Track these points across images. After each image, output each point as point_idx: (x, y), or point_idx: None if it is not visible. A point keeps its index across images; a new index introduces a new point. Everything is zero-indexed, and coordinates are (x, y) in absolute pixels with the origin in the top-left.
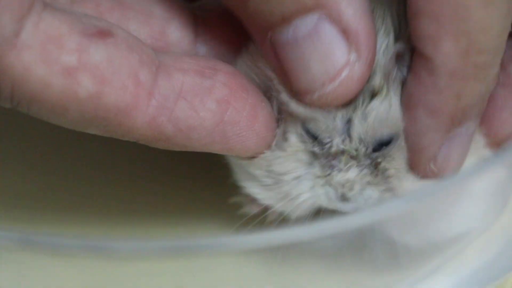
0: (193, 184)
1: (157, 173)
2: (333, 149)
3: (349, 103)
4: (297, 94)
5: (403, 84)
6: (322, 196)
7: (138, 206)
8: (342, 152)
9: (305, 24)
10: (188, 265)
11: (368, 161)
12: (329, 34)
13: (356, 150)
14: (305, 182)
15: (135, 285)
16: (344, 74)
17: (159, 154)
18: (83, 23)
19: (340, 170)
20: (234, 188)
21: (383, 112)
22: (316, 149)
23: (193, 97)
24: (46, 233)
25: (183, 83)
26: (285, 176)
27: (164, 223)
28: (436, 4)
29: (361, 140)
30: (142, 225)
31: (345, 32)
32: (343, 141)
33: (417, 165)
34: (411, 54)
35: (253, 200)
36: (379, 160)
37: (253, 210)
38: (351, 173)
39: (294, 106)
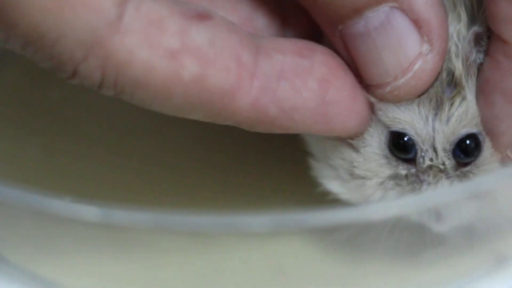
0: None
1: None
2: (425, 165)
3: (428, 106)
4: (369, 88)
5: (480, 70)
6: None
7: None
8: (430, 166)
9: (376, 16)
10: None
11: (458, 173)
12: (401, 25)
13: (443, 164)
14: (391, 191)
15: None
16: (417, 65)
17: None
18: (182, 7)
19: (429, 184)
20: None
21: (464, 111)
22: (401, 169)
23: (294, 77)
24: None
25: (284, 64)
26: (368, 180)
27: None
28: None
29: (445, 150)
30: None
31: (417, 23)
32: (430, 156)
33: (495, 150)
34: (487, 37)
35: None
36: (469, 171)
37: None
38: (441, 185)
39: (381, 111)
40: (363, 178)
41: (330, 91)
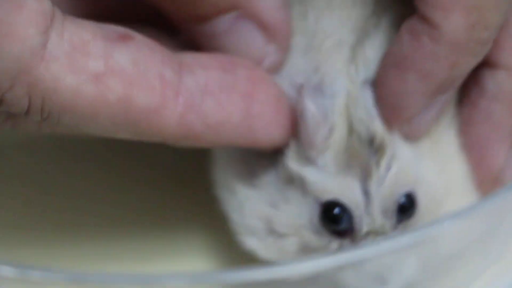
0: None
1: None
2: (364, 232)
3: (358, 171)
4: None
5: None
6: (351, 279)
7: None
8: (368, 232)
9: (222, 23)
10: None
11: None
12: (247, 30)
13: (382, 226)
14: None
15: None
16: (265, 64)
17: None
18: (103, 29)
19: None
20: None
21: (395, 172)
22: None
23: (219, 92)
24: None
25: (207, 79)
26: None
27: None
28: None
29: (382, 213)
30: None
31: (262, 27)
32: (370, 222)
33: (390, 123)
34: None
35: None
36: (408, 226)
37: None
38: None
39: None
40: (283, 236)
41: (254, 105)
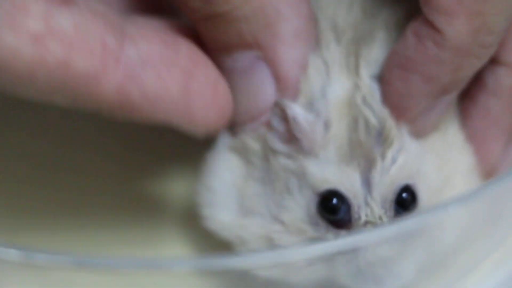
0: None
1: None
2: (361, 222)
3: (361, 162)
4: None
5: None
6: (345, 277)
7: None
8: (365, 223)
9: (242, 59)
10: None
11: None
12: (262, 74)
13: (380, 219)
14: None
15: None
16: (263, 118)
17: None
18: None
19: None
20: None
21: (400, 165)
22: (335, 231)
23: (159, 65)
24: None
25: (149, 51)
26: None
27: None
28: None
29: (382, 205)
30: None
31: (277, 76)
32: (368, 213)
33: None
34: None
35: None
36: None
37: None
38: (381, 250)
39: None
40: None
41: (193, 83)
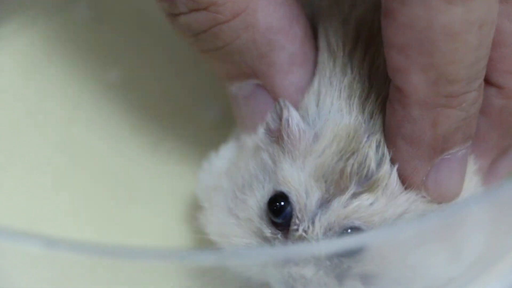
0: None
1: None
2: (297, 234)
3: (331, 186)
4: None
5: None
6: (272, 277)
7: None
8: (299, 237)
9: (245, 87)
10: None
11: (330, 263)
12: (264, 101)
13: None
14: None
15: None
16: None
17: None
18: None
19: (296, 264)
20: None
21: (365, 207)
22: (270, 232)
23: None
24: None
25: None
26: (235, 239)
27: None
28: (405, 37)
29: (326, 231)
30: None
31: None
32: (307, 228)
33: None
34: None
35: None
36: (344, 266)
37: None
38: (307, 270)
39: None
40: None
41: None
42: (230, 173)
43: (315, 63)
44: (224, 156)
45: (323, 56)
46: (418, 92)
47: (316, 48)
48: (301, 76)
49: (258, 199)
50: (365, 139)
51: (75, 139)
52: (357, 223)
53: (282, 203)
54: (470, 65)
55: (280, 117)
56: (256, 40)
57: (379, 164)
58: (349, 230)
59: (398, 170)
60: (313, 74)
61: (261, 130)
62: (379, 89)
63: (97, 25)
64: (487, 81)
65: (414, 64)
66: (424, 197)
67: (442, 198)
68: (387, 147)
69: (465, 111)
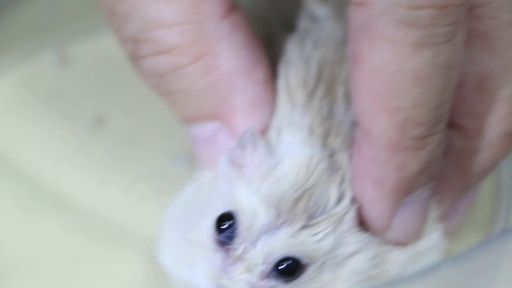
0: None
1: None
2: (237, 253)
3: (282, 214)
4: None
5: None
6: None
7: None
8: (242, 260)
9: (206, 129)
10: None
11: (263, 284)
12: (224, 142)
13: (255, 265)
14: (202, 268)
15: None
16: None
17: None
18: None
19: (231, 278)
20: None
21: (314, 241)
22: (214, 250)
23: None
24: None
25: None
26: (185, 264)
27: None
28: (372, 80)
29: (268, 256)
30: None
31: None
32: (248, 250)
33: (375, 235)
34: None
35: None
36: None
37: None
38: (240, 286)
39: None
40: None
41: None
42: (189, 205)
43: (275, 104)
44: (186, 193)
45: (284, 96)
46: (386, 135)
47: (276, 90)
48: (262, 118)
49: (210, 220)
50: (327, 175)
51: (47, 184)
52: (298, 255)
53: (229, 222)
54: (436, 108)
55: (245, 144)
56: (217, 83)
57: (339, 201)
58: (290, 261)
59: (362, 212)
60: (273, 115)
61: (223, 158)
62: (340, 128)
63: (66, 73)
64: (449, 123)
65: (381, 108)
66: (380, 239)
67: (405, 239)
68: (351, 187)
69: (430, 153)
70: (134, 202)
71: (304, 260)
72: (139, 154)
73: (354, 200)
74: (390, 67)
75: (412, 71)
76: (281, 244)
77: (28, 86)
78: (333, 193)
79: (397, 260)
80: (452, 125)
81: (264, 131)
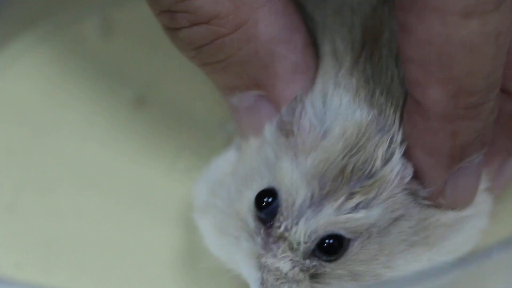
0: None
1: None
2: (279, 232)
3: (324, 189)
4: None
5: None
6: (247, 267)
7: None
8: (284, 239)
9: (246, 98)
10: None
11: (307, 263)
12: (266, 111)
13: (298, 244)
14: (244, 244)
15: None
16: None
17: None
18: None
19: (274, 256)
20: None
21: (359, 217)
22: (254, 226)
23: None
24: None
25: None
26: (227, 233)
27: None
28: (422, 51)
29: (311, 233)
30: None
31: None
32: (289, 227)
33: (429, 200)
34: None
35: None
36: (321, 269)
37: None
38: (283, 265)
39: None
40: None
41: None
42: (234, 171)
43: (316, 70)
44: (228, 158)
45: (328, 61)
46: (438, 105)
47: (316, 56)
48: (304, 85)
49: (254, 192)
50: (377, 136)
51: (89, 158)
52: (343, 232)
53: (270, 199)
54: (488, 76)
55: (294, 111)
56: (258, 51)
57: (385, 162)
58: (333, 239)
59: (418, 177)
60: (314, 81)
61: (269, 126)
62: (387, 89)
63: (109, 41)
64: None
65: (433, 78)
66: (422, 202)
67: (457, 204)
68: (408, 156)
69: (483, 121)
70: (181, 172)
71: (348, 236)
72: (186, 123)
73: (402, 161)
74: (440, 38)
75: (462, 41)
76: (324, 222)
77: (70, 53)
78: (380, 154)
79: (441, 224)
80: (501, 90)
81: (307, 97)
